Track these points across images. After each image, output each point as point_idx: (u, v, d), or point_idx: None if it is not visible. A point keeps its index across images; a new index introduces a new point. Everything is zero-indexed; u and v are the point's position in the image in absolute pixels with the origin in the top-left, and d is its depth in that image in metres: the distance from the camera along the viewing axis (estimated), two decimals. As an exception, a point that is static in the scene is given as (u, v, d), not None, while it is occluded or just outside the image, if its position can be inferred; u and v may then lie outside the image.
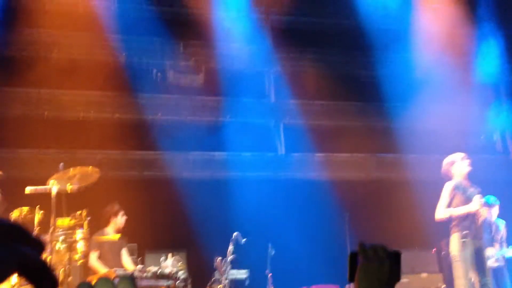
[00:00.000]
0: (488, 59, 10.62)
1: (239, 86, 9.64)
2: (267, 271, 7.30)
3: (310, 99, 10.02)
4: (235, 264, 7.12)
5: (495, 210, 7.15)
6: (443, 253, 8.26)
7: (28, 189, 5.33)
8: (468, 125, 10.24)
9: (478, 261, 5.98)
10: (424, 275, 7.84)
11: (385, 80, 9.99)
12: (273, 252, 7.45)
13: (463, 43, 10.34)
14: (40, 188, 5.34)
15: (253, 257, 7.26)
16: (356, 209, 8.38)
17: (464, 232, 5.94)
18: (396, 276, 1.39)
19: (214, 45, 9.75)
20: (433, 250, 8.35)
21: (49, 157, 8.11)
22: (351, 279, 1.41)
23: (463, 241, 5.93)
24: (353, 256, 1.43)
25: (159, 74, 9.57)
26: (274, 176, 9.40)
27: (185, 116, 9.46)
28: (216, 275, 6.95)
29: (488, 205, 7.05)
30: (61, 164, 5.17)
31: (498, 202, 7.11)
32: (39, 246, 0.67)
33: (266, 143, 9.70)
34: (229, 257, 6.99)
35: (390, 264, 1.38)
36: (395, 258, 1.41)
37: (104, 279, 5.26)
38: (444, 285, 7.86)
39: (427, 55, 10.15)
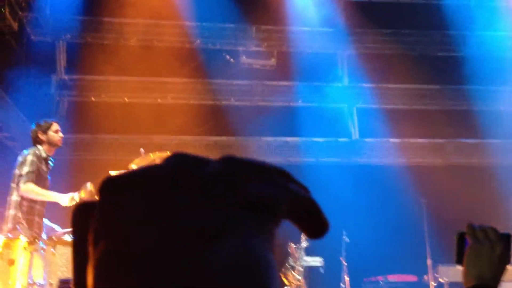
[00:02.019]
0: None
1: (311, 69, 9.56)
2: (341, 259, 7.27)
3: (385, 82, 9.77)
4: (309, 251, 7.15)
5: None
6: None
7: (112, 173, 5.55)
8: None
9: None
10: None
11: (466, 60, 9.54)
12: (347, 240, 7.40)
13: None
14: (122, 171, 5.53)
15: (327, 244, 7.24)
16: (433, 196, 8.12)
17: None
18: (507, 259, 1.33)
19: (287, 29, 9.68)
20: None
21: (129, 142, 8.43)
22: (459, 261, 1.35)
23: None
24: (461, 237, 1.37)
25: (232, 59, 9.65)
26: (347, 162, 9.29)
27: (257, 101, 9.51)
28: (290, 261, 7.01)
29: None
30: (142, 149, 5.34)
31: None
32: (305, 187, 0.66)
33: (340, 128, 9.57)
34: (303, 244, 7.03)
35: (502, 248, 1.32)
36: (506, 240, 1.35)
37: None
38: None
39: (507, 32, 9.59)
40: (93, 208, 0.58)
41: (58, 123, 4.87)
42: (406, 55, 9.66)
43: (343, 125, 9.65)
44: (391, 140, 9.62)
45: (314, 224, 0.63)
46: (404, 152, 9.52)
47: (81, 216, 0.61)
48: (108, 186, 0.58)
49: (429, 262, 7.08)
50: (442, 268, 7.08)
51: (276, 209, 0.59)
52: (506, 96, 9.34)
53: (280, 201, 0.59)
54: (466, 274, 1.32)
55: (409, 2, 9.72)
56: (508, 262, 1.32)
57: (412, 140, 9.65)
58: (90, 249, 0.56)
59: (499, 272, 1.31)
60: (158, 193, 0.55)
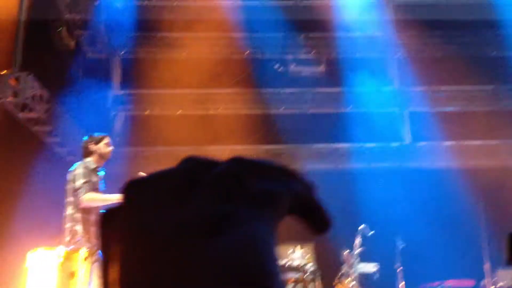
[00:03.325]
0: None
1: (361, 75, 9.51)
2: (396, 265, 7.16)
3: (436, 85, 9.60)
4: (363, 257, 7.09)
5: None
6: None
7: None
8: None
9: None
10: None
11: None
12: (402, 245, 7.28)
13: None
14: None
15: (381, 250, 7.17)
16: (491, 199, 7.89)
17: None
18: None
19: (335, 35, 9.69)
20: None
21: (183, 153, 8.58)
22: (510, 262, 1.34)
23: None
24: None
25: (281, 68, 9.75)
26: (400, 166, 9.16)
27: (307, 108, 9.55)
28: (345, 268, 6.97)
29: None
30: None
31: None
32: (308, 185, 0.70)
33: (391, 132, 9.46)
34: (357, 250, 6.98)
35: None
36: None
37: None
38: None
39: None
40: (118, 212, 0.65)
41: (110, 137, 5.04)
42: (457, 56, 9.47)
43: (395, 129, 9.53)
44: (444, 143, 9.42)
45: (317, 221, 0.68)
46: (458, 155, 9.31)
47: (106, 220, 0.69)
48: (130, 188, 0.66)
49: (487, 266, 6.88)
50: (501, 272, 6.87)
51: (277, 204, 0.64)
52: None
53: (281, 196, 0.64)
54: None
55: (459, 3, 9.53)
56: None
57: (466, 143, 9.42)
58: (116, 248, 0.63)
59: None
60: (175, 193, 0.62)
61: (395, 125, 9.56)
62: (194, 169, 0.64)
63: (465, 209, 7.88)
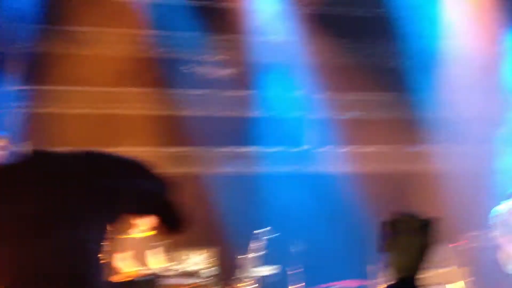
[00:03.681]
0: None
1: (270, 79, 9.71)
2: (295, 267, 7.38)
3: (339, 92, 9.99)
4: (263, 261, 7.24)
5: None
6: (463, 247, 8.23)
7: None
8: (494, 115, 10.09)
9: None
10: (449, 269, 7.81)
11: (414, 70, 9.87)
12: (301, 248, 7.53)
13: (492, 33, 10.08)
14: None
15: (281, 253, 7.38)
16: (382, 203, 8.36)
17: None
18: (426, 247, 1.35)
19: (246, 39, 9.79)
20: (458, 243, 8.31)
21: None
22: (383, 250, 1.40)
23: None
24: (387, 227, 1.41)
25: (190, 69, 9.71)
26: (302, 171, 9.46)
27: (215, 111, 9.59)
28: (244, 271, 7.09)
29: None
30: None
31: None
32: (161, 182, 0.70)
33: (296, 137, 9.74)
34: (258, 253, 7.12)
35: (421, 237, 1.35)
36: (426, 228, 1.37)
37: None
38: (472, 278, 7.82)
39: (456, 44, 9.97)
40: None
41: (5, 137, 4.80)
42: (358, 64, 9.91)
43: (298, 134, 9.82)
44: (345, 149, 9.85)
45: (169, 220, 0.72)
46: (356, 160, 9.77)
47: None
48: None
49: (376, 267, 7.25)
50: (385, 274, 7.24)
51: (118, 201, 0.67)
52: (448, 103, 9.72)
53: (124, 193, 0.67)
54: (389, 263, 1.38)
55: (363, 14, 9.99)
56: (428, 249, 1.35)
57: (363, 148, 9.91)
58: None
59: (419, 260, 1.35)
60: (15, 188, 0.64)
61: (299, 130, 9.85)
62: (40, 163, 0.66)
63: (360, 213, 8.29)
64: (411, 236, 1.36)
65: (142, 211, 0.62)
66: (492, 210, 7.12)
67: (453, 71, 9.77)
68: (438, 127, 9.71)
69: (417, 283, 1.31)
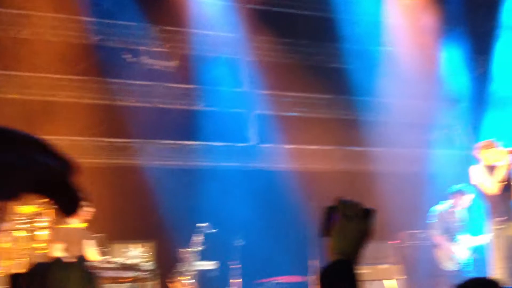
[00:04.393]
0: (453, 56, 10.79)
1: (213, 73, 9.60)
2: (235, 262, 7.34)
3: (282, 90, 10.04)
4: (203, 255, 7.15)
5: (467, 199, 7.16)
6: (402, 244, 8.48)
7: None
8: (431, 120, 10.48)
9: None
10: (384, 266, 7.98)
11: (354, 73, 10.07)
12: (241, 243, 7.49)
13: (430, 39, 10.47)
14: None
15: (221, 248, 7.30)
16: (321, 200, 8.43)
17: (499, 219, 5.89)
18: (369, 235, 1.37)
19: (190, 32, 9.65)
20: (395, 241, 8.53)
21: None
22: (325, 235, 1.36)
23: (498, 229, 5.89)
24: (330, 211, 1.37)
25: (132, 58, 9.45)
26: (245, 167, 9.43)
27: (157, 103, 9.38)
28: (183, 266, 6.97)
29: (459, 192, 7.14)
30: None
31: (472, 191, 7.05)
32: (62, 160, 0.61)
33: (238, 133, 9.70)
34: (197, 248, 7.02)
35: (366, 224, 1.36)
36: (369, 217, 1.38)
37: (60, 262, 5.16)
38: (404, 276, 8.03)
39: (395, 48, 10.27)
40: None
41: None
42: (302, 64, 10.02)
43: (242, 130, 9.78)
44: (287, 146, 9.91)
45: (66, 201, 0.62)
46: (298, 158, 9.85)
47: None
48: None
49: (314, 262, 7.33)
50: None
51: (9, 177, 0.57)
52: (388, 107, 10.00)
53: (16, 169, 0.57)
54: (331, 247, 1.34)
55: (308, 14, 10.08)
56: (369, 237, 1.37)
57: (305, 147, 10.01)
58: None
59: (361, 247, 1.35)
60: None
61: (243, 126, 9.82)
62: None
63: (300, 209, 8.33)
64: (353, 222, 1.34)
65: (39, 190, 0.55)
66: (430, 210, 7.34)
67: (393, 76, 10.03)
68: (378, 129, 9.94)
69: (353, 267, 1.31)
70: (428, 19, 10.47)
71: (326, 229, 1.36)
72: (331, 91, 10.27)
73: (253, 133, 9.79)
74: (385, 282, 7.87)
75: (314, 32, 10.14)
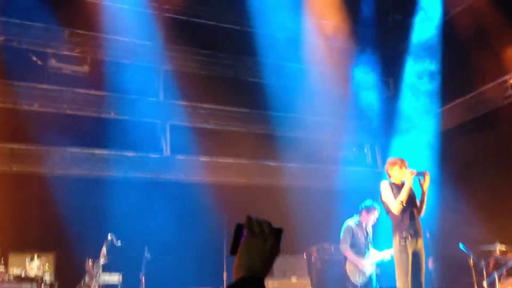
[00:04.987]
0: (366, 77, 11.20)
1: (126, 81, 9.27)
2: (141, 275, 7.03)
3: (198, 102, 9.91)
4: (107, 267, 6.80)
5: (375, 215, 7.35)
6: (312, 258, 8.56)
7: None
8: (343, 137, 10.77)
9: (415, 262, 6.02)
10: (293, 279, 8.03)
11: (270, 88, 10.15)
12: (149, 256, 7.20)
13: (344, 58, 10.80)
14: None
15: (127, 260, 6.98)
16: (235, 213, 8.34)
17: (404, 235, 6.00)
18: (276, 252, 1.39)
19: (103, 36, 9.30)
20: (306, 255, 8.59)
21: None
22: (233, 252, 1.38)
23: (403, 245, 5.98)
24: (239, 229, 1.40)
25: (39, 61, 8.94)
26: (156, 178, 9.15)
27: (65, 108, 8.91)
28: (86, 278, 6.58)
29: (367, 208, 7.29)
30: None
31: (377, 207, 7.26)
32: None
33: (151, 143, 9.41)
34: (102, 260, 6.66)
35: (273, 241, 1.38)
36: (277, 235, 1.41)
37: None
38: (315, 288, 8.10)
39: (310, 66, 10.49)
40: None
41: None
42: (219, 77, 9.97)
43: (155, 140, 9.50)
44: (201, 158, 9.74)
45: None
46: (212, 171, 9.71)
47: None
48: None
49: (225, 275, 7.23)
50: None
51: None
52: (302, 123, 10.16)
53: None
54: (238, 265, 1.35)
55: (227, 27, 10.07)
56: (277, 255, 1.38)
57: (220, 159, 9.89)
58: None
59: (268, 264, 1.36)
60: None
61: (156, 136, 9.54)
62: None
63: (212, 223, 8.16)
64: (259, 239, 1.38)
65: None
66: (341, 225, 7.43)
67: (308, 93, 10.21)
68: (293, 144, 10.04)
69: (259, 284, 1.33)
70: (343, 40, 10.80)
71: (236, 246, 1.38)
72: (248, 105, 10.28)
73: (167, 144, 9.54)
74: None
75: (233, 45, 10.13)
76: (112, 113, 9.19)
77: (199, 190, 9.10)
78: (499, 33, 8.79)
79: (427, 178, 6.08)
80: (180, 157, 9.59)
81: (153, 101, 9.64)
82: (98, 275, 6.51)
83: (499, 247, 7.19)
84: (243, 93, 10.18)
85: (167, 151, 9.54)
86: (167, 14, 9.82)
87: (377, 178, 6.48)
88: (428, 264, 8.44)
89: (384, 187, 6.17)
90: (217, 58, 10.21)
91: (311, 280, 8.22)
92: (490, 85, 9.37)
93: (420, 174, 6.08)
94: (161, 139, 9.57)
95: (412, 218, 6.07)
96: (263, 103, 10.24)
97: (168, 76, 9.87)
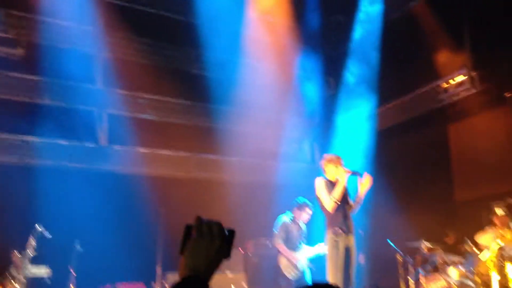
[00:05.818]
0: (308, 75, 11.35)
1: (63, 67, 8.94)
2: (70, 268, 6.84)
3: (139, 91, 9.71)
4: (35, 260, 6.58)
5: (307, 212, 7.44)
6: (248, 253, 8.60)
7: None
8: (283, 133, 10.88)
9: (346, 257, 6.12)
10: (229, 274, 8.03)
11: (213, 81, 10.09)
12: (79, 248, 7.01)
13: (287, 55, 10.88)
14: None
15: (57, 252, 6.77)
16: (172, 207, 8.25)
17: (336, 231, 6.08)
18: (224, 254, 1.39)
19: (40, 19, 8.92)
20: (242, 249, 8.61)
21: None
22: (181, 252, 1.38)
23: (335, 240, 6.07)
24: (189, 229, 1.39)
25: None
26: (91, 168, 8.90)
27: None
28: (12, 270, 6.34)
29: (300, 205, 7.39)
30: None
31: (310, 204, 7.38)
32: None
33: (87, 132, 9.13)
34: (29, 252, 6.43)
35: (221, 242, 1.37)
36: (228, 236, 1.40)
37: None
38: (246, 286, 8.13)
39: (253, 60, 10.50)
40: None
41: None
42: (160, 67, 9.80)
43: (91, 129, 9.23)
44: (139, 149, 9.56)
45: None
46: (150, 162, 9.56)
47: None
48: None
49: (158, 269, 7.15)
50: (170, 276, 7.22)
51: None
52: (244, 117, 10.18)
53: None
54: (183, 264, 1.34)
55: (170, 16, 9.90)
56: (225, 256, 1.38)
57: (159, 152, 9.75)
58: None
59: (213, 265, 1.36)
60: None
61: (92, 125, 9.27)
62: None
63: (147, 215, 8.04)
64: (206, 240, 1.37)
65: None
66: (276, 220, 7.50)
67: (251, 87, 10.22)
68: (233, 138, 10.02)
69: (204, 285, 1.33)
70: (288, 37, 10.87)
71: (183, 247, 1.37)
72: (189, 97, 10.17)
73: (103, 133, 9.29)
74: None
75: (176, 35, 9.98)
76: (46, 99, 8.85)
77: (135, 182, 8.92)
78: (434, 39, 9.13)
79: (368, 182, 6.20)
80: (117, 147, 9.37)
81: (91, 88, 9.36)
82: (25, 267, 6.28)
83: (424, 244, 7.50)
84: (185, 85, 10.05)
85: (103, 140, 9.30)
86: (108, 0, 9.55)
87: (315, 175, 6.57)
88: (359, 260, 8.72)
89: (319, 184, 6.27)
90: (159, 48, 10.03)
91: (247, 274, 8.24)
92: (424, 88, 9.74)
93: (355, 173, 6.20)
94: (97, 128, 9.31)
95: (345, 215, 6.20)
96: (205, 96, 10.16)
97: (107, 63, 9.59)
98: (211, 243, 1.35)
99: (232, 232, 1.41)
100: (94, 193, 8.28)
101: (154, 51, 9.98)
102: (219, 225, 1.39)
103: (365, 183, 6.18)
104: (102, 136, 9.29)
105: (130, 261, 7.56)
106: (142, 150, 9.61)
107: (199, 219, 1.39)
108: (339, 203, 6.11)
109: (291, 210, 7.52)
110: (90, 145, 9.14)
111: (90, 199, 8.13)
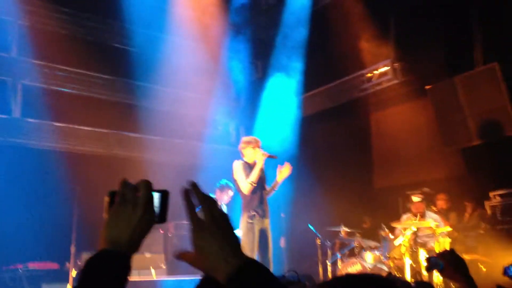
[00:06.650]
0: (236, 57, 11.24)
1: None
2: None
3: (56, 63, 9.17)
4: None
5: (228, 194, 7.40)
6: (168, 234, 8.51)
7: None
8: (209, 114, 10.74)
9: (262, 240, 6.10)
10: (147, 254, 7.91)
11: (137, 56, 9.74)
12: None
13: (215, 36, 10.69)
14: None
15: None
16: (89, 184, 7.89)
17: (251, 214, 6.04)
18: (148, 223, 1.17)
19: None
20: (162, 230, 8.49)
21: None
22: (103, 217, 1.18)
23: (250, 223, 6.01)
24: (113, 196, 1.18)
25: None
26: (3, 141, 8.34)
27: None
28: None
29: (222, 186, 7.33)
30: None
31: (232, 186, 7.34)
32: None
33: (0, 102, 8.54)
34: None
35: (144, 209, 1.17)
36: (161, 199, 1.21)
37: None
38: (164, 267, 8.05)
39: (180, 38, 10.24)
40: None
41: None
42: (81, 39, 9.33)
43: (3, 100, 8.63)
44: (55, 123, 9.06)
45: None
46: (66, 138, 9.10)
47: None
48: None
49: (72, 249, 6.84)
50: (85, 255, 6.95)
51: None
52: (169, 96, 9.94)
53: None
54: (101, 237, 1.14)
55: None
56: (150, 226, 1.18)
57: (77, 126, 9.30)
58: None
59: (137, 237, 1.16)
60: None
61: (5, 96, 8.68)
62: None
63: (62, 193, 7.64)
64: (129, 207, 1.16)
65: None
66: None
67: (176, 66, 9.95)
68: (156, 117, 9.74)
69: (124, 258, 1.13)
70: (215, 17, 10.66)
71: (105, 212, 1.18)
72: (111, 71, 9.76)
73: (17, 104, 8.71)
74: (153, 270, 7.75)
75: (98, 6, 9.50)
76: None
77: (50, 158, 8.45)
78: (361, 29, 9.28)
79: (287, 170, 6.22)
80: (31, 120, 8.82)
81: (5, 57, 8.74)
82: None
83: (343, 229, 7.68)
84: (106, 59, 9.61)
85: (16, 112, 8.72)
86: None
87: (239, 157, 6.49)
88: (280, 243, 8.80)
89: (237, 166, 6.23)
90: (80, 19, 9.53)
91: (166, 255, 8.14)
92: (349, 77, 9.91)
93: (272, 156, 6.20)
94: (10, 99, 8.71)
95: (261, 198, 6.21)
96: (128, 72, 9.77)
97: (24, 32, 8.98)
98: (133, 210, 1.16)
99: (165, 194, 1.23)
100: (5, 167, 7.76)
101: (75, 21, 9.47)
102: (146, 188, 1.19)
103: (284, 171, 6.23)
104: (16, 108, 8.71)
105: (43, 240, 7.17)
106: (59, 124, 9.11)
107: (124, 183, 1.19)
108: (255, 185, 6.09)
109: (213, 192, 7.44)
110: (3, 116, 8.55)
111: (1, 173, 7.62)
